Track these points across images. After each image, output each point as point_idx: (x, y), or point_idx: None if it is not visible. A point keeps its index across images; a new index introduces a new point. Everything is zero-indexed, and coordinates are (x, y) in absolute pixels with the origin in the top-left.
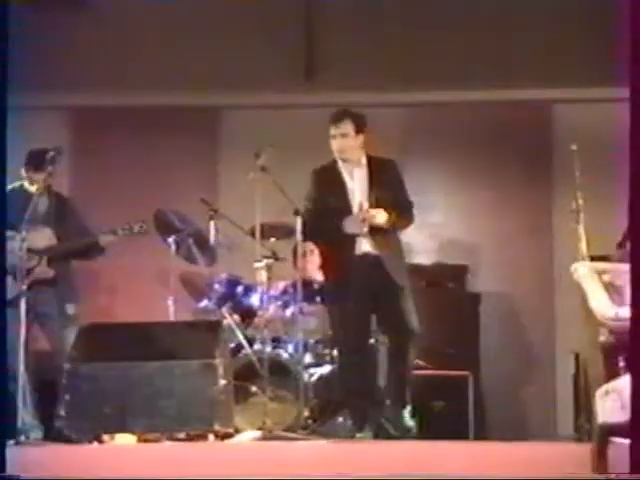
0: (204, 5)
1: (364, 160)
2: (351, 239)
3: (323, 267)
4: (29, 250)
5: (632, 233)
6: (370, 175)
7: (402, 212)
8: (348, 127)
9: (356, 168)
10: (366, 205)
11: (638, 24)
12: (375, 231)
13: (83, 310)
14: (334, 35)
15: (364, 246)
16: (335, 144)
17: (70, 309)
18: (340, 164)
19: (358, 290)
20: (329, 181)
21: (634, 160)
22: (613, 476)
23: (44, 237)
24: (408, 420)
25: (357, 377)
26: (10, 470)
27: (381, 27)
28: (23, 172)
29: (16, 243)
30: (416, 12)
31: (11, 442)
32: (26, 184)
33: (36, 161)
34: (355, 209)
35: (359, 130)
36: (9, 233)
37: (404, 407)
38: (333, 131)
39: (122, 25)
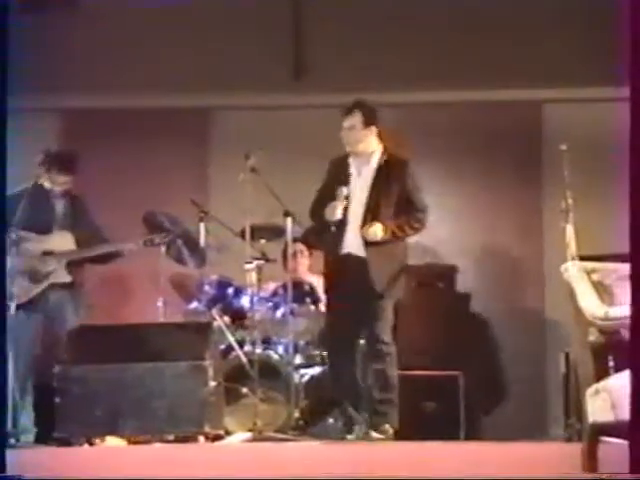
0: (194, 8)
1: (376, 156)
2: (339, 236)
3: (315, 269)
4: (46, 253)
5: (632, 233)
6: (378, 173)
7: (410, 218)
8: (356, 119)
9: (364, 165)
10: (361, 215)
11: (637, 23)
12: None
13: (95, 314)
14: (323, 36)
15: (349, 247)
16: (343, 137)
17: (83, 313)
18: (350, 158)
19: (341, 290)
20: (337, 173)
21: (634, 160)
22: (605, 476)
23: (64, 241)
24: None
25: (340, 377)
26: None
27: (370, 27)
28: (42, 171)
29: (33, 244)
30: (406, 12)
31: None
32: (46, 183)
33: (61, 162)
34: (354, 210)
35: (368, 122)
36: (26, 234)
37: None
38: (344, 123)
39: (115, 28)
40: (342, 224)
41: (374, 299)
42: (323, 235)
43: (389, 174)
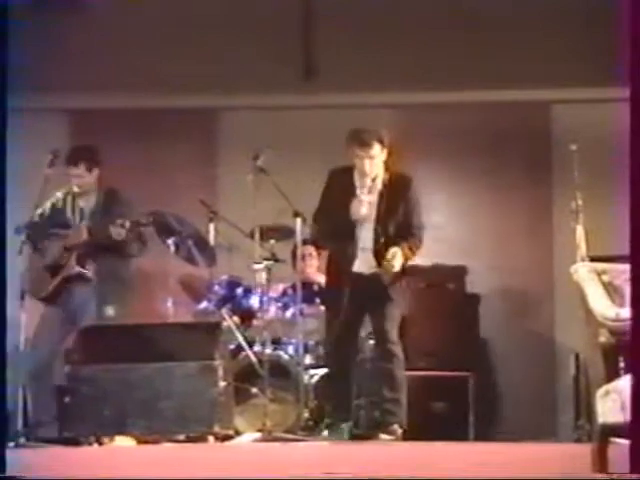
0: (202, 7)
1: (380, 176)
2: (351, 254)
3: (324, 270)
4: (65, 249)
5: (632, 233)
6: (384, 192)
7: (411, 240)
8: (375, 150)
9: (370, 183)
10: (371, 233)
11: (638, 24)
12: (383, 247)
13: (123, 312)
14: (332, 36)
15: (360, 267)
16: (361, 164)
17: (109, 311)
18: (356, 175)
19: (350, 301)
20: (342, 183)
21: (634, 159)
22: (615, 476)
23: (76, 234)
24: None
25: (337, 386)
26: (9, 472)
27: (380, 28)
28: (71, 170)
29: (56, 242)
30: (415, 13)
31: (11, 444)
32: (75, 188)
33: (87, 158)
34: (364, 229)
35: (383, 147)
36: (57, 230)
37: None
38: (360, 152)
39: (121, 27)
40: (352, 245)
41: (386, 301)
42: (334, 240)
43: (394, 193)
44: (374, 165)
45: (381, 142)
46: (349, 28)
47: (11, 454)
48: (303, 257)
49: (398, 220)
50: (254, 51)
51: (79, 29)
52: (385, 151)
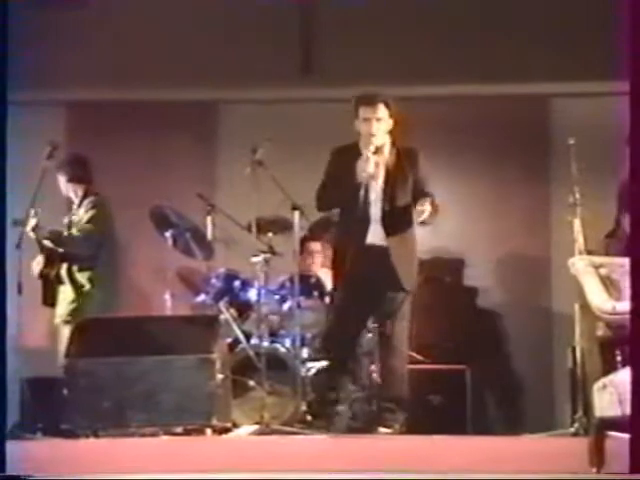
0: (201, 1)
1: (387, 147)
2: (363, 229)
3: (332, 260)
4: None
5: (633, 226)
6: (391, 164)
7: (430, 199)
8: (382, 111)
9: (378, 155)
10: (379, 203)
11: (638, 16)
12: (391, 218)
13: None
14: (331, 29)
15: (375, 238)
16: (367, 127)
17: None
18: (362, 143)
19: (360, 285)
20: (347, 160)
21: (634, 153)
22: (619, 476)
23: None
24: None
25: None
26: (9, 466)
27: (379, 21)
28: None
29: None
30: (415, 7)
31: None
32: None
33: (80, 171)
34: (372, 200)
35: (390, 114)
36: None
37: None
38: (368, 114)
39: (119, 20)
40: (365, 216)
41: (399, 296)
42: (345, 224)
43: (402, 164)
44: (380, 130)
45: (387, 105)
46: (348, 21)
47: (8, 447)
48: (310, 254)
49: (406, 190)
50: (253, 44)
51: (79, 23)
52: (391, 119)
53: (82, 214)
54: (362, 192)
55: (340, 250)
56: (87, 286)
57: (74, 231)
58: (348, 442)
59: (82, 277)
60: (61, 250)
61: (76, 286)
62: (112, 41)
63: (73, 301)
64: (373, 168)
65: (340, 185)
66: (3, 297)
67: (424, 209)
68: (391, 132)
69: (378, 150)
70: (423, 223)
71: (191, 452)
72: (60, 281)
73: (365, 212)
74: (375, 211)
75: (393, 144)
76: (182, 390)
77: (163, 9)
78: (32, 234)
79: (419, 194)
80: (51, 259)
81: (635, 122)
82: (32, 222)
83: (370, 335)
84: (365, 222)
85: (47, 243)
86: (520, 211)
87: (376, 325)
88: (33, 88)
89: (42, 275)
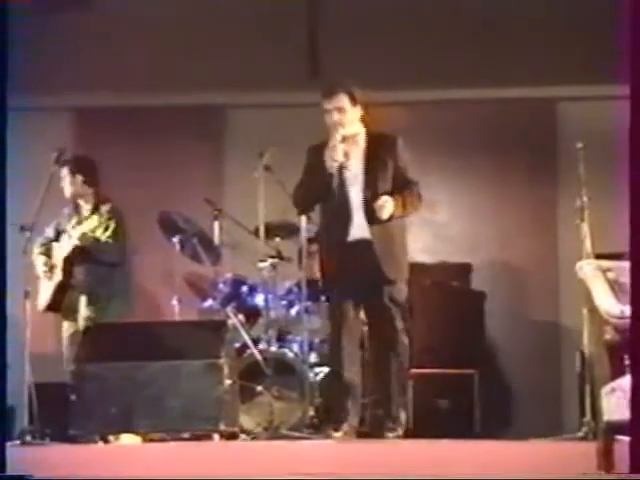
0: (208, 4)
1: (362, 137)
2: (345, 222)
3: (319, 260)
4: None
5: (632, 231)
6: (369, 152)
7: (406, 193)
8: (342, 100)
9: (353, 146)
10: (360, 193)
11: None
12: (372, 206)
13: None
14: (338, 34)
15: (358, 231)
16: (330, 118)
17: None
18: (336, 141)
19: (348, 284)
20: (320, 158)
21: (634, 157)
22: (624, 476)
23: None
24: None
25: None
26: (14, 470)
27: (385, 25)
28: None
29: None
30: (419, 11)
31: (17, 442)
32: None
33: (90, 173)
34: (353, 191)
35: (355, 103)
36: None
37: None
38: (327, 105)
39: (125, 25)
40: (344, 207)
41: (385, 285)
42: (325, 220)
43: (380, 151)
44: (346, 119)
45: (350, 95)
46: (354, 26)
47: (17, 452)
48: (312, 256)
49: (387, 178)
50: (261, 49)
51: (81, 28)
52: (358, 106)
53: (99, 220)
54: (335, 182)
55: (323, 248)
56: (107, 292)
57: (103, 237)
58: (356, 447)
59: (104, 283)
60: (92, 255)
61: (97, 293)
62: (117, 46)
63: (93, 307)
64: (342, 156)
65: (313, 181)
66: (3, 300)
67: (383, 205)
68: (363, 120)
69: (348, 139)
70: (389, 219)
71: (199, 457)
72: (79, 289)
73: (344, 203)
74: (356, 201)
75: (368, 132)
76: (190, 395)
77: (170, 13)
78: (55, 242)
79: (401, 182)
80: (70, 266)
81: (635, 125)
82: (51, 229)
83: (367, 335)
84: (346, 214)
85: (78, 245)
86: (527, 215)
87: (369, 323)
88: (40, 93)
89: (59, 283)
